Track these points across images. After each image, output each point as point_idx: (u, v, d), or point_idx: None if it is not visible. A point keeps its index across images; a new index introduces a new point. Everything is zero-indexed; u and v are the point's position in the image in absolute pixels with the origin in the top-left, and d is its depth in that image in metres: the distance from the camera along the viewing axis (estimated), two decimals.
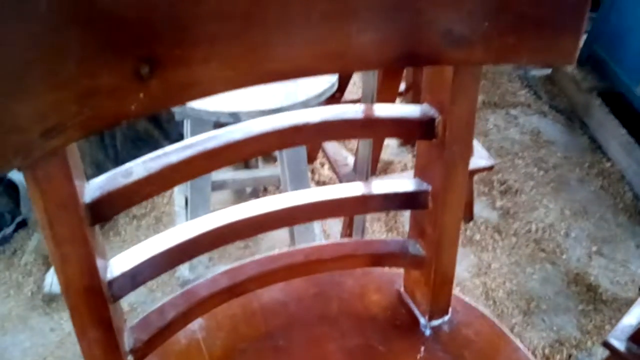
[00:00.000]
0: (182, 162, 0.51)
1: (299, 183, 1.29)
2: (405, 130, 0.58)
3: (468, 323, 0.68)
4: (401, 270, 0.72)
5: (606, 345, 0.88)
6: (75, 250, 0.46)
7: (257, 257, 0.64)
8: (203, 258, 1.41)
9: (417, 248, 0.64)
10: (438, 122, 0.55)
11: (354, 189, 0.61)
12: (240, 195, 1.75)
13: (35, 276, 1.59)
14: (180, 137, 1.68)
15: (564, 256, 1.60)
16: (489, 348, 0.66)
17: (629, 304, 1.42)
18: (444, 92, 0.53)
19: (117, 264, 0.52)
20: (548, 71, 2.37)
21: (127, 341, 0.54)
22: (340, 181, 1.52)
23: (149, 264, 0.53)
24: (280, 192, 1.73)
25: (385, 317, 0.69)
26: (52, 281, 1.52)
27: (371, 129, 0.60)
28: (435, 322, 0.68)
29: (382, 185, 0.62)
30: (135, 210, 1.76)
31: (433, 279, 0.64)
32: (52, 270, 1.54)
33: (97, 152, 1.74)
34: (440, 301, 0.67)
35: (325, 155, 1.74)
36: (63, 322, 1.48)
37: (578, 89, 2.14)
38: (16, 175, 1.69)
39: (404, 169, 1.85)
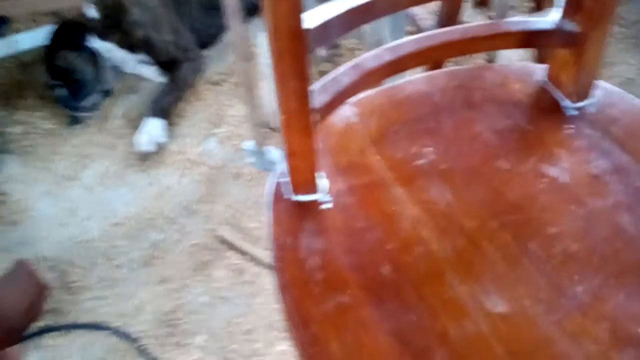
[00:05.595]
0: None
1: (398, 34, 1.29)
2: None
3: (612, 104, 0.71)
4: (541, 65, 0.74)
5: None
6: None
7: (415, 36, 0.66)
8: None
9: (572, 25, 0.66)
10: None
11: None
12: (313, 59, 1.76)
13: (127, 139, 1.66)
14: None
15: None
16: (635, 123, 0.68)
17: None
18: None
19: (312, 18, 0.54)
20: None
21: (312, 99, 0.58)
22: None
23: (339, 20, 0.56)
24: (360, 51, 1.74)
25: (529, 102, 0.72)
26: (141, 140, 1.58)
27: None
28: (581, 103, 0.70)
29: None
30: (215, 76, 1.80)
31: (585, 57, 0.66)
32: (141, 131, 1.60)
33: (175, 20, 1.76)
34: (587, 82, 0.69)
35: None
36: (160, 177, 1.56)
37: None
38: (98, 44, 1.73)
39: None
